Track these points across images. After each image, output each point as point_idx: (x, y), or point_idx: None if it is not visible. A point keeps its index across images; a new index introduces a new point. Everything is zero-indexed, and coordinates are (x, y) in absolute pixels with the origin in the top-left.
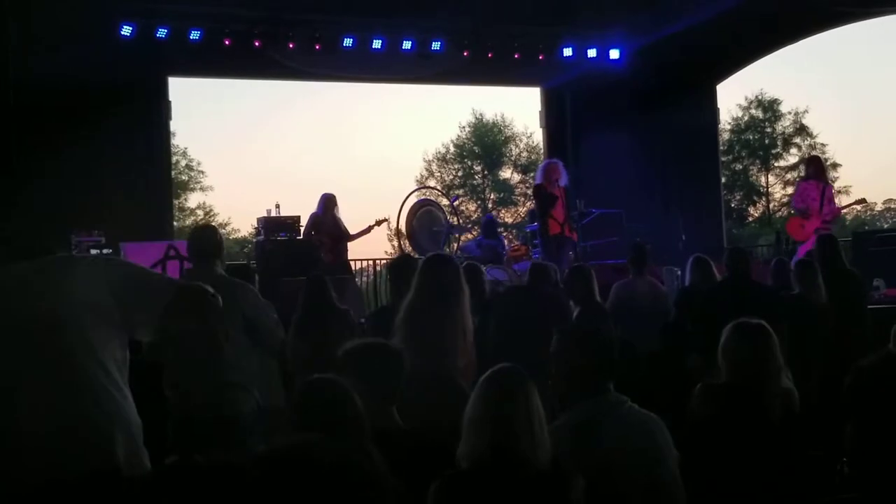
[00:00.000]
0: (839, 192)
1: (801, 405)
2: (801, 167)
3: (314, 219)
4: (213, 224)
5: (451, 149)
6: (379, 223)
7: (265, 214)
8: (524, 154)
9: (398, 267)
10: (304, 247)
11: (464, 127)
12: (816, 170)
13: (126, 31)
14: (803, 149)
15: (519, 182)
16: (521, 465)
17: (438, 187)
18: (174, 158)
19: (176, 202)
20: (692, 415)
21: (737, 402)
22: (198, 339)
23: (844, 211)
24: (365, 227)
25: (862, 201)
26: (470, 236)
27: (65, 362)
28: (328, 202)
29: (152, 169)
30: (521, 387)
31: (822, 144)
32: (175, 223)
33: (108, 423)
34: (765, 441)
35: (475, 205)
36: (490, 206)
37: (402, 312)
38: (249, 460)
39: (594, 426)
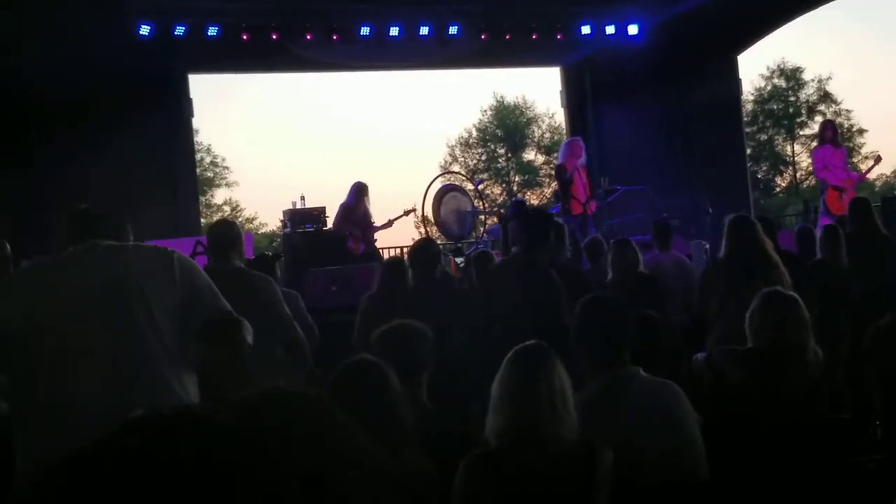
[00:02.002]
0: (866, 157)
1: (830, 369)
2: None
3: (345, 209)
4: (235, 219)
5: (474, 133)
6: (406, 213)
7: (291, 207)
8: (547, 135)
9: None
10: (331, 237)
11: (485, 111)
12: (834, 133)
13: (144, 30)
14: (828, 116)
15: (543, 163)
16: (547, 441)
17: (463, 172)
18: (198, 155)
19: (202, 199)
20: (714, 382)
21: (758, 367)
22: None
23: (870, 176)
24: (392, 217)
25: (878, 159)
26: (496, 219)
27: (129, 342)
28: (360, 192)
29: (177, 166)
30: (544, 364)
31: (847, 111)
32: (202, 220)
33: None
34: (786, 404)
35: (500, 188)
36: (515, 188)
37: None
38: (223, 407)
39: (609, 398)
